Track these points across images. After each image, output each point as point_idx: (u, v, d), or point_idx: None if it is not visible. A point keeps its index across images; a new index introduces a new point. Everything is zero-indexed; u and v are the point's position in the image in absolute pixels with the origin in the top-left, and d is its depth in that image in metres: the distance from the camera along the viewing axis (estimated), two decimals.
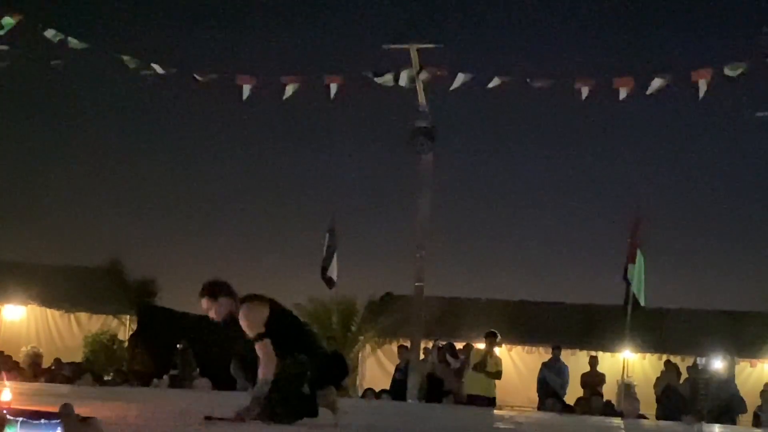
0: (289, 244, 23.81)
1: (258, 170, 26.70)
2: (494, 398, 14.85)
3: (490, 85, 14.36)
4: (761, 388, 15.09)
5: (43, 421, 4.03)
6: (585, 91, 13.90)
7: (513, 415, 12.63)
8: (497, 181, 26.16)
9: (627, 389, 15.06)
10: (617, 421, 12.01)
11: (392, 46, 14.74)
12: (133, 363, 17.70)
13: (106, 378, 15.95)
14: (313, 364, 6.67)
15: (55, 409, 4.31)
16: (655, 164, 25.36)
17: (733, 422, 13.68)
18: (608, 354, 17.59)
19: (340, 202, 23.35)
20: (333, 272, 17.45)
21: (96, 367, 16.95)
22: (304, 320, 7.41)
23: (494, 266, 24.61)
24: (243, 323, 6.59)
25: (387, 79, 14.69)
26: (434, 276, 15.94)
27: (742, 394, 14.69)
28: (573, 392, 15.85)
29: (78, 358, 17.88)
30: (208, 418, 6.43)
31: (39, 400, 7.32)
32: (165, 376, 15.43)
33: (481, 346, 15.37)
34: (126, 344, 18.85)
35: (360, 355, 19.28)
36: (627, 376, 16.09)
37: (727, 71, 13.12)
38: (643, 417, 13.86)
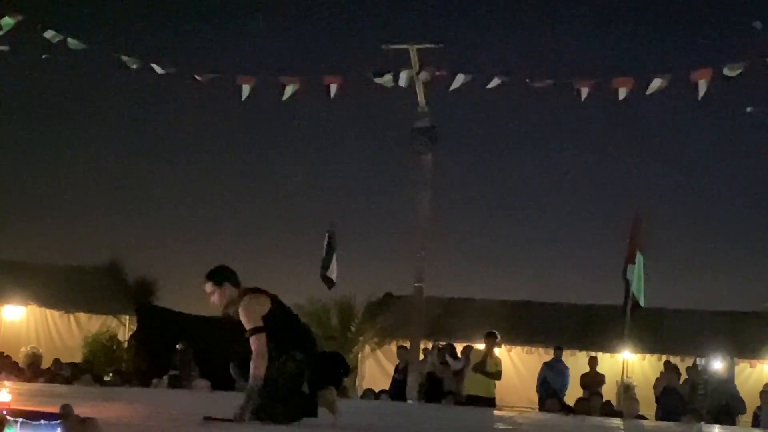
0: (288, 244, 23.81)
1: (257, 170, 26.72)
2: (494, 399, 14.84)
3: (490, 86, 14.34)
4: (761, 388, 15.08)
5: (42, 421, 4.03)
6: (585, 92, 13.89)
7: (512, 415, 12.63)
8: (497, 182, 26.18)
9: (626, 390, 15.06)
10: (617, 422, 12.00)
11: (392, 47, 14.73)
12: (131, 363, 17.70)
13: (105, 378, 15.95)
14: (311, 363, 6.66)
15: (55, 409, 4.31)
16: (655, 164, 25.38)
17: (733, 423, 13.67)
18: (608, 354, 17.60)
19: (339, 202, 23.39)
20: (332, 272, 17.45)
21: (95, 367, 16.95)
22: (304, 320, 7.40)
23: (494, 267, 24.62)
24: (242, 315, 6.59)
25: (386, 79, 14.68)
26: (434, 276, 15.94)
27: (741, 394, 14.69)
28: (573, 393, 15.85)
29: (77, 358, 17.88)
30: (207, 418, 6.43)
31: (38, 400, 7.32)
32: (164, 377, 15.43)
33: (480, 346, 15.36)
34: (126, 344, 18.86)
35: (359, 355, 19.28)
36: (626, 376, 16.09)
37: (726, 71, 13.11)
38: (643, 417, 13.85)
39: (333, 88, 14.64)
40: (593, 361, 16.53)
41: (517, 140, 25.46)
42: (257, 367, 6.43)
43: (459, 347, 16.31)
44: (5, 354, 16.71)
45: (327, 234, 17.56)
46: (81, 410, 4.60)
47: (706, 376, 14.70)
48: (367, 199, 25.07)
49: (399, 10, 24.77)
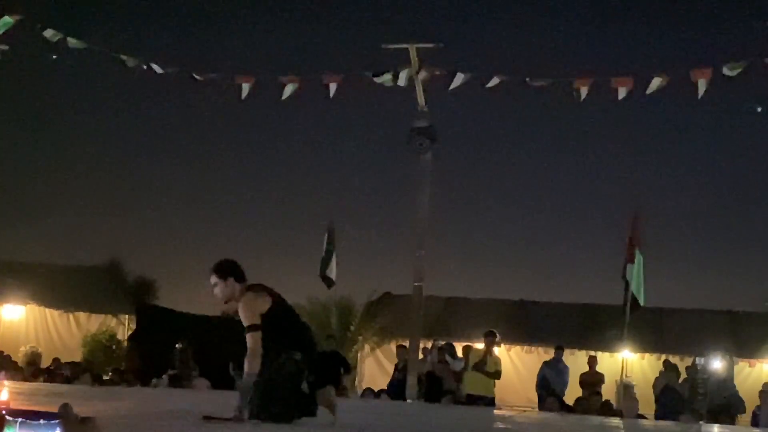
0: (288, 244, 23.81)
1: (257, 169, 26.73)
2: (493, 398, 14.85)
3: (489, 85, 14.34)
4: (760, 387, 15.08)
5: (42, 421, 4.03)
6: (584, 91, 13.89)
7: (512, 414, 12.63)
8: (496, 181, 26.19)
9: (626, 389, 15.06)
10: (616, 421, 12.01)
11: (391, 46, 14.72)
12: (128, 363, 17.69)
13: (105, 378, 15.95)
14: (310, 363, 6.66)
15: (54, 409, 4.31)
16: (654, 164, 25.40)
17: (732, 422, 13.67)
18: (607, 354, 17.60)
19: (339, 202, 23.38)
20: (332, 272, 17.45)
21: (95, 366, 16.95)
22: (304, 320, 7.39)
23: (493, 266, 24.64)
24: (240, 310, 6.59)
25: (386, 78, 14.67)
26: (433, 276, 15.94)
27: (740, 393, 14.70)
28: (572, 392, 15.85)
29: (77, 357, 17.88)
30: (206, 418, 6.43)
31: (38, 400, 7.33)
32: (164, 376, 15.42)
33: (480, 345, 15.36)
34: (125, 343, 18.86)
35: (359, 354, 19.28)
36: (626, 375, 16.10)
37: (726, 71, 13.11)
38: (642, 417, 13.86)
39: (332, 87, 14.64)
40: (593, 361, 16.53)
41: (516, 139, 25.49)
42: (250, 364, 6.43)
43: (458, 346, 16.31)
44: (5, 353, 16.72)
45: (326, 233, 17.57)
46: (80, 409, 4.59)
47: (706, 376, 14.70)
48: (367, 199, 25.09)
49: (398, 10, 24.77)
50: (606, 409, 14.31)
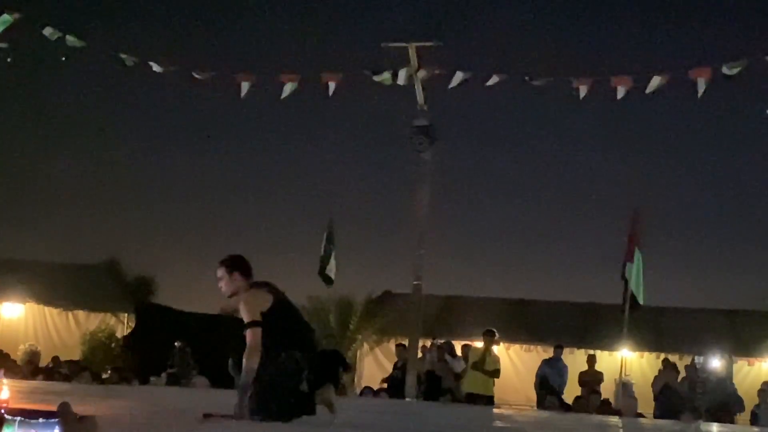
0: (287, 242, 23.81)
1: (256, 168, 26.72)
2: (492, 397, 14.85)
3: (489, 83, 14.33)
4: (759, 386, 15.09)
5: (41, 419, 4.02)
6: (583, 90, 13.88)
7: (511, 413, 12.63)
8: (496, 180, 26.19)
9: (625, 388, 15.05)
10: (615, 420, 12.00)
11: (391, 44, 14.71)
12: (126, 362, 17.67)
13: (104, 376, 15.94)
14: (309, 362, 6.66)
15: (53, 407, 4.31)
16: (654, 163, 25.39)
17: (731, 421, 13.67)
18: (606, 352, 17.60)
19: (338, 200, 23.37)
20: (331, 270, 17.45)
21: (94, 365, 16.94)
22: (306, 320, 7.39)
23: (493, 265, 24.65)
24: (241, 307, 6.60)
25: (385, 77, 14.66)
26: (433, 274, 15.95)
27: (739, 392, 14.69)
28: (571, 391, 15.86)
29: (76, 356, 17.87)
30: (207, 415, 6.43)
31: (37, 398, 7.32)
32: (162, 374, 15.42)
33: (479, 344, 15.36)
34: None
35: (358, 353, 19.28)
36: (625, 374, 16.10)
37: (725, 70, 13.10)
38: (641, 415, 13.86)
39: (332, 85, 14.62)
40: (592, 359, 16.54)
41: (515, 138, 25.49)
42: (249, 361, 6.43)
43: (458, 345, 16.32)
44: (4, 352, 16.70)
45: (326, 232, 17.57)
46: (79, 408, 4.59)
47: (705, 375, 14.70)
48: (366, 197, 25.09)
49: (398, 8, 24.79)
50: (605, 408, 14.32)
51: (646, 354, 18.07)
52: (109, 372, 16.21)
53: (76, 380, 14.04)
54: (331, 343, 15.76)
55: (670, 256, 21.86)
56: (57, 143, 26.28)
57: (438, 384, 15.30)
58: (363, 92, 15.72)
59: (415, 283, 14.85)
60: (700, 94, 13.19)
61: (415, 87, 14.70)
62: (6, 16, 13.42)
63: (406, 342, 15.79)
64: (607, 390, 16.00)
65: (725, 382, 14.61)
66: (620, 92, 13.71)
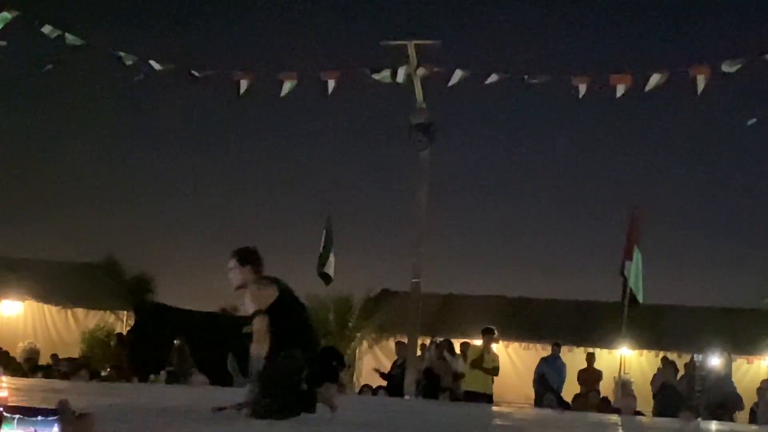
0: (285, 240, 23.79)
1: (255, 166, 26.71)
2: (491, 395, 14.85)
3: (488, 82, 14.34)
4: (758, 384, 15.09)
5: (39, 417, 4.01)
6: (582, 89, 13.88)
7: (510, 411, 12.63)
8: (495, 178, 26.19)
9: (624, 386, 15.06)
10: (614, 418, 12.01)
11: (390, 42, 14.71)
12: (121, 360, 17.67)
13: (103, 374, 15.95)
14: (310, 360, 6.66)
15: (52, 405, 4.30)
16: (653, 161, 25.39)
17: (730, 419, 13.68)
18: (605, 351, 17.61)
19: (337, 198, 23.35)
20: (330, 268, 17.44)
21: (93, 362, 16.95)
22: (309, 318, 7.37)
23: (492, 263, 24.65)
24: (246, 298, 6.63)
25: (384, 75, 14.66)
26: (431, 272, 15.95)
27: (738, 390, 14.68)
28: (570, 389, 15.87)
29: (75, 353, 17.87)
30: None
31: (36, 396, 7.32)
32: (161, 372, 15.42)
33: (478, 342, 15.37)
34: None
35: (357, 351, 19.28)
36: (624, 372, 16.10)
37: (725, 68, 13.11)
38: (640, 414, 13.86)
39: (331, 84, 14.63)
40: (591, 358, 16.54)
41: (514, 136, 25.48)
42: (258, 348, 6.44)
43: (456, 343, 16.32)
44: (3, 349, 16.71)
45: (324, 230, 17.56)
46: (78, 405, 4.58)
47: (704, 373, 14.69)
48: (365, 195, 25.08)
49: (397, 6, 24.78)
50: (604, 406, 14.32)
51: (645, 352, 18.08)
52: (108, 370, 16.23)
53: (74, 378, 14.04)
54: (329, 341, 15.77)
55: (669, 254, 21.87)
56: (55, 140, 26.28)
57: (437, 382, 15.30)
58: (362, 90, 15.73)
59: (413, 281, 14.86)
60: (699, 92, 13.20)
61: (414, 85, 14.71)
62: (5, 14, 13.42)
63: (404, 340, 15.81)
64: (606, 388, 16.01)
65: (724, 381, 14.60)
66: (619, 91, 13.72)
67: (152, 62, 14.75)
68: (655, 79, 13.47)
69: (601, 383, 16.09)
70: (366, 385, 16.13)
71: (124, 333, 19.13)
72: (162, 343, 16.35)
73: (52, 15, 14.65)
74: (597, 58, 24.77)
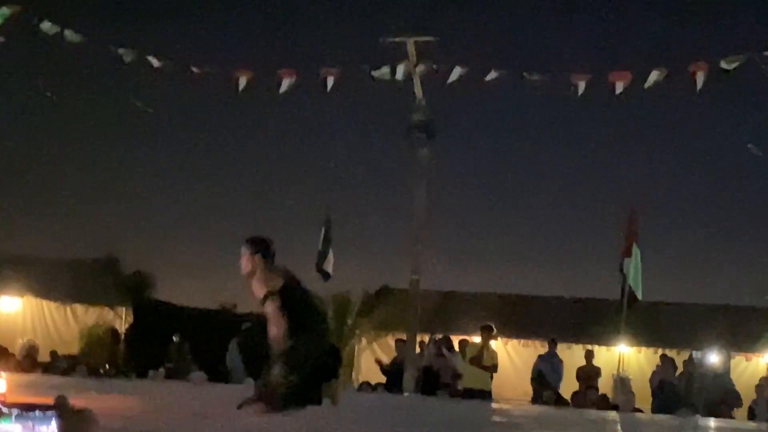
0: (284, 237, 23.74)
1: (253, 163, 26.69)
2: (490, 391, 14.86)
3: (487, 79, 14.34)
4: (756, 382, 15.13)
5: (37, 412, 4.02)
6: (581, 86, 13.89)
7: (509, 408, 12.64)
8: (494, 175, 26.18)
9: (622, 383, 15.07)
10: (612, 415, 12.02)
11: (389, 39, 14.71)
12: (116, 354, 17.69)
13: (101, 370, 15.96)
14: (315, 349, 6.67)
15: (51, 400, 4.31)
16: (652, 158, 25.38)
17: (729, 416, 13.70)
18: (604, 348, 17.60)
19: (336, 195, 23.37)
20: (328, 265, 17.44)
21: (92, 359, 16.96)
22: (318, 308, 7.35)
23: (490, 260, 24.63)
24: (254, 285, 6.72)
25: (383, 72, 14.67)
26: (430, 269, 15.95)
27: (737, 388, 14.72)
28: (569, 386, 15.87)
29: (74, 350, 17.88)
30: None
31: (34, 391, 7.32)
32: (160, 369, 15.44)
33: (476, 339, 15.38)
34: (122, 337, 18.87)
35: (356, 348, 19.28)
36: (622, 369, 16.11)
37: (724, 64, 13.11)
38: (639, 411, 13.88)
39: (330, 80, 14.63)
40: (589, 355, 16.55)
41: (513, 134, 25.47)
42: (275, 330, 6.47)
43: (455, 340, 16.32)
44: (1, 345, 16.72)
45: (323, 226, 17.56)
46: (77, 401, 4.59)
47: (702, 370, 14.71)
48: (364, 192, 25.06)
49: (396, 3, 24.72)
50: (602, 403, 14.34)
51: (643, 349, 18.07)
52: (106, 366, 16.25)
53: (73, 374, 14.06)
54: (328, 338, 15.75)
55: (668, 252, 21.87)
56: (54, 136, 26.26)
57: (436, 379, 15.31)
58: (361, 87, 15.72)
59: (412, 278, 14.87)
60: (698, 88, 13.21)
61: (414, 82, 14.71)
62: (4, 10, 13.41)
63: (403, 337, 15.81)
64: (604, 385, 16.00)
65: (723, 378, 14.63)
66: (618, 88, 13.72)
67: (151, 58, 14.75)
68: (654, 76, 13.48)
69: (599, 380, 16.08)
70: (365, 382, 16.16)
71: (123, 330, 19.14)
72: (161, 340, 16.36)
73: (51, 11, 14.65)
74: (596, 55, 24.75)
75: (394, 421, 8.23)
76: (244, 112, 22.88)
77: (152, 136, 26.38)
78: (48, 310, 19.69)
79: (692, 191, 24.51)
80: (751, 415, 14.25)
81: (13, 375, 10.57)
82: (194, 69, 15.00)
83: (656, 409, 14.12)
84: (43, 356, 16.80)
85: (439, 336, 16.34)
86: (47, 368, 14.96)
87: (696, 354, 15.31)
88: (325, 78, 14.67)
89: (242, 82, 14.68)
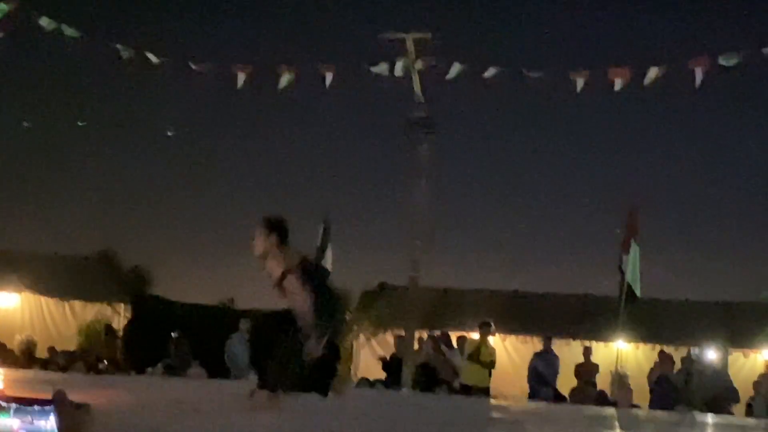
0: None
1: (252, 160, 26.68)
2: (488, 388, 14.88)
3: (486, 75, 14.34)
4: (754, 378, 15.15)
5: (36, 407, 4.02)
6: (580, 83, 13.89)
7: (507, 405, 12.65)
8: (492, 171, 26.17)
9: (620, 379, 15.09)
10: (610, 411, 12.03)
11: (388, 36, 14.70)
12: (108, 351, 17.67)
13: (100, 366, 15.96)
14: (329, 327, 6.65)
15: (49, 395, 4.30)
16: (651, 154, 25.39)
17: (726, 412, 13.71)
18: (602, 344, 17.60)
19: (335, 192, 23.35)
20: (327, 262, 17.43)
21: (90, 355, 16.95)
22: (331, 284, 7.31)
23: (489, 257, 24.62)
24: (270, 264, 6.63)
25: (382, 68, 14.67)
26: (429, 266, 15.94)
27: (735, 384, 14.73)
28: (567, 382, 15.88)
29: (72, 346, 17.87)
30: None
31: (33, 387, 7.32)
32: (159, 365, 15.45)
33: (475, 336, 15.38)
34: (120, 332, 18.87)
35: (354, 344, 19.29)
36: (620, 366, 16.12)
37: (722, 61, 13.11)
38: (637, 407, 13.89)
39: (328, 77, 14.62)
40: (587, 351, 16.55)
41: (513, 130, 25.45)
42: (301, 303, 6.42)
43: (453, 337, 16.33)
44: (0, 341, 16.72)
45: (322, 223, 17.55)
46: (75, 397, 4.59)
47: (700, 366, 14.73)
48: (363, 189, 25.05)
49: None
50: (601, 400, 14.35)
51: (641, 346, 18.07)
52: (105, 362, 16.25)
53: (71, 370, 14.07)
54: None
55: (666, 248, 21.87)
56: (52, 132, 26.23)
57: (434, 375, 15.32)
58: (360, 83, 15.71)
59: (411, 274, 14.87)
60: (698, 84, 13.21)
61: (413, 79, 14.70)
62: (2, 5, 13.39)
63: (402, 333, 15.82)
64: (602, 382, 16.02)
65: (721, 374, 14.64)
66: (617, 85, 13.72)
67: (149, 54, 14.74)
68: (653, 72, 13.48)
69: (597, 377, 16.10)
70: (363, 378, 16.16)
71: (122, 326, 19.14)
72: (159, 336, 16.36)
73: (49, 6, 14.63)
74: (594, 51, 24.72)
75: (392, 418, 8.23)
76: (242, 109, 22.88)
77: (150, 133, 26.38)
78: (46, 306, 19.67)
79: (691, 188, 24.53)
80: (749, 412, 14.26)
81: (12, 371, 10.59)
82: (192, 65, 14.99)
83: (654, 405, 14.13)
84: (41, 352, 16.80)
85: (438, 332, 16.35)
86: (45, 364, 14.96)
87: (694, 350, 15.33)
88: (324, 74, 14.66)
89: (241, 78, 14.67)
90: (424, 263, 15.16)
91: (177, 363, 15.39)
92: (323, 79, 14.66)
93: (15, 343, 17.01)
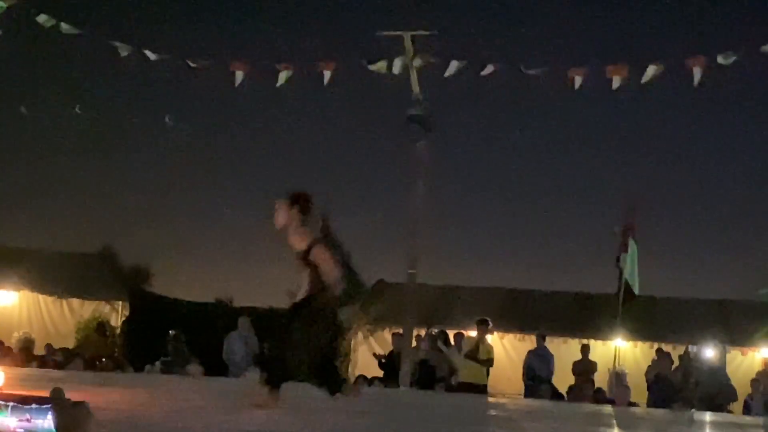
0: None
1: (251, 157, 26.67)
2: (486, 386, 14.87)
3: (484, 73, 14.33)
4: (752, 376, 15.16)
5: (34, 405, 4.02)
6: (578, 80, 13.89)
7: (505, 402, 12.65)
8: (491, 169, 26.18)
9: (618, 377, 15.10)
10: (608, 409, 12.04)
11: (386, 33, 14.69)
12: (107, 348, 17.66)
13: (97, 364, 15.95)
14: (350, 294, 6.65)
15: (46, 393, 4.30)
16: (649, 153, 25.40)
17: (724, 410, 13.72)
18: (600, 342, 17.62)
19: (333, 189, 23.31)
20: None
21: (88, 353, 16.94)
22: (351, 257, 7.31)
23: (487, 254, 24.65)
24: (294, 237, 6.65)
25: (380, 66, 14.65)
26: (427, 263, 15.94)
27: (732, 382, 14.74)
28: (565, 380, 15.88)
29: (70, 344, 17.86)
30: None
31: (30, 385, 7.32)
32: (157, 363, 15.43)
33: (473, 333, 15.38)
34: (118, 330, 18.87)
35: (352, 342, 19.28)
36: (618, 364, 16.13)
37: (720, 60, 13.11)
38: (634, 405, 13.90)
39: (326, 74, 14.61)
40: (585, 349, 16.55)
41: (511, 128, 25.45)
42: (332, 272, 6.43)
43: (451, 334, 16.33)
44: None
45: (320, 222, 17.53)
46: (72, 395, 4.59)
47: (698, 364, 14.73)
48: (361, 186, 25.07)
49: None
50: (598, 397, 14.36)
51: (639, 343, 18.08)
52: (102, 360, 16.23)
53: (69, 368, 14.05)
54: None
55: (664, 246, 21.89)
56: (49, 129, 26.20)
57: (432, 373, 15.32)
58: (358, 81, 15.71)
59: (409, 272, 14.86)
60: (696, 83, 13.21)
61: (411, 76, 14.69)
62: (1, 3, 13.38)
63: (400, 331, 15.82)
64: (600, 379, 16.03)
65: (718, 372, 14.65)
66: (615, 82, 13.72)
67: (147, 52, 14.72)
68: (651, 70, 13.48)
69: (595, 374, 16.11)
70: (361, 376, 16.16)
71: (119, 323, 19.13)
72: (157, 333, 16.35)
73: (47, 4, 14.61)
74: (593, 49, 24.72)
75: (390, 415, 8.23)
76: (240, 106, 22.87)
77: (149, 130, 26.37)
78: (44, 303, 19.66)
79: (689, 186, 24.55)
80: (747, 410, 14.27)
81: (9, 368, 10.57)
82: (191, 63, 14.98)
83: (652, 403, 14.14)
84: (39, 350, 16.78)
85: (436, 330, 16.35)
86: (43, 361, 14.94)
87: (692, 348, 15.33)
88: (322, 71, 14.65)
89: (239, 75, 14.66)
90: (422, 260, 15.16)
91: (175, 360, 15.38)
92: (321, 76, 14.65)
93: (13, 340, 16.99)
